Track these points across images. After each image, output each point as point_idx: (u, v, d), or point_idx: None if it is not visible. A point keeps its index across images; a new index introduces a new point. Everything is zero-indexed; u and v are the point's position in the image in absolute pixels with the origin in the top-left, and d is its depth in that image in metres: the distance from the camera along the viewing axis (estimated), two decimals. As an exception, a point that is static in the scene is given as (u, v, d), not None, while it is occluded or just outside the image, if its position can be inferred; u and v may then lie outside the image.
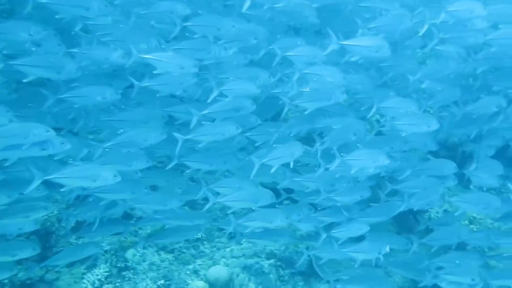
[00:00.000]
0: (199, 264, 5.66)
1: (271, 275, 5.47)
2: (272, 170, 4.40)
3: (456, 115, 5.09)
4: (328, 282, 5.67)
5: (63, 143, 3.75)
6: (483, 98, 4.96)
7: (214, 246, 6.05)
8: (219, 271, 5.20)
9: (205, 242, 6.08)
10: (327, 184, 4.67)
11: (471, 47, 4.94)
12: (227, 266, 5.47)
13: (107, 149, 4.20)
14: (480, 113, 5.04)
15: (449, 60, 4.83)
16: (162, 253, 5.75)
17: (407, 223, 5.91)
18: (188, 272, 5.49)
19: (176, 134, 4.32)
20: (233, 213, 4.72)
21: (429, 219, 6.00)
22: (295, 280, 5.65)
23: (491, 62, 4.99)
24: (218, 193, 4.57)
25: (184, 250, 5.88)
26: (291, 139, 4.70)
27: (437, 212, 6.18)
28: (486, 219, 6.20)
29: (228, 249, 6.01)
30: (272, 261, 5.66)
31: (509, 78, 4.96)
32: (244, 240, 5.73)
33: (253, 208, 4.63)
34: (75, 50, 4.17)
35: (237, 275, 5.32)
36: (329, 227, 4.85)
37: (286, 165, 4.56)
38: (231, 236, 6.17)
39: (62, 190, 4.02)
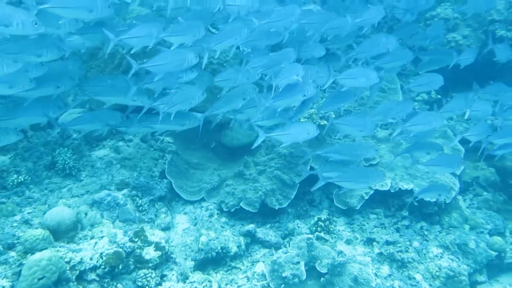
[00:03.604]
0: (28, 213, 4.39)
1: (128, 206, 4.61)
2: None
3: None
4: (192, 203, 5.16)
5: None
6: None
7: (46, 189, 4.81)
8: (60, 213, 4.08)
9: (31, 186, 4.77)
10: None
11: None
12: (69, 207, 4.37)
13: None
14: None
15: None
16: (-32, 209, 4.27)
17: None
18: (15, 225, 4.20)
19: None
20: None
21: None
22: (156, 207, 4.91)
23: None
24: None
25: (3, 200, 4.50)
26: None
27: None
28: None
29: (65, 189, 4.86)
30: (125, 191, 4.76)
31: None
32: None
33: None
34: None
35: (86, 214, 4.30)
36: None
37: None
38: (66, 174, 5.01)
39: None
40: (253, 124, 4.31)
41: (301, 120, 5.15)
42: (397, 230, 4.96)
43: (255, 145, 4.41)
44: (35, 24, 3.28)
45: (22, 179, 4.72)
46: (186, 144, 5.61)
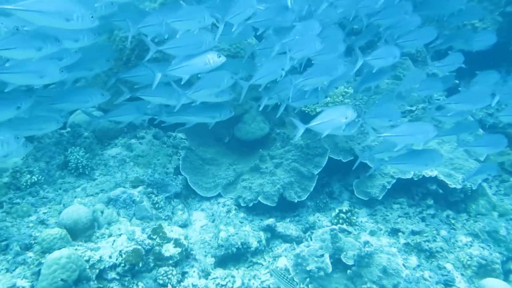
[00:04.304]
0: (44, 213, 4.28)
1: (144, 203, 4.48)
2: None
3: None
4: (208, 199, 5.02)
5: None
6: None
7: (59, 189, 4.70)
8: (77, 212, 3.97)
9: (45, 186, 4.66)
10: None
11: None
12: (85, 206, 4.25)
13: None
14: None
15: None
16: (-18, 211, 4.16)
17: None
18: (31, 225, 4.09)
19: None
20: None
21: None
22: (172, 204, 4.78)
23: None
24: None
25: (18, 201, 4.39)
26: None
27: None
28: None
29: (79, 189, 4.74)
30: (140, 188, 4.64)
31: None
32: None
33: None
34: None
35: (102, 212, 4.18)
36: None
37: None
38: (79, 173, 4.89)
39: None
40: (292, 115, 4.20)
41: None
42: (423, 219, 4.77)
43: (295, 139, 4.37)
44: (92, 17, 3.26)
45: (36, 179, 4.62)
46: (199, 140, 5.48)
